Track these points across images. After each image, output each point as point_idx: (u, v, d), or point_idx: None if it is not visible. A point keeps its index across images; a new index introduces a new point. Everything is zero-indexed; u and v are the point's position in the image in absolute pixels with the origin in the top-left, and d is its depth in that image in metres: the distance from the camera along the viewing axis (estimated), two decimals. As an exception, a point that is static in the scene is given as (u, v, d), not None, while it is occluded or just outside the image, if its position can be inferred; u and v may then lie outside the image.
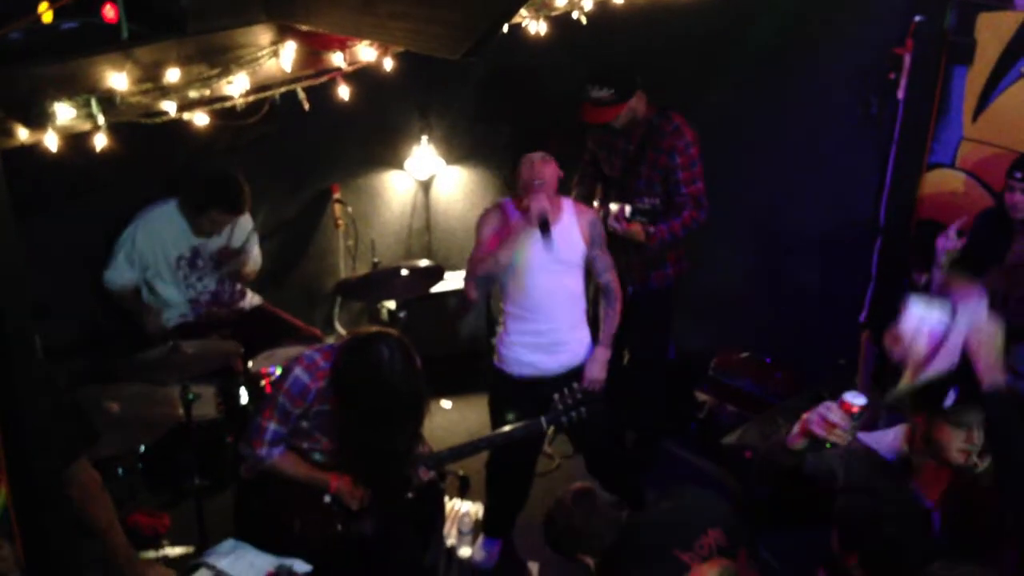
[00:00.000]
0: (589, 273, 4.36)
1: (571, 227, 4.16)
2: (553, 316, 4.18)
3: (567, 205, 4.22)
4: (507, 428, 3.81)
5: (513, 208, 4.15)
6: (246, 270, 5.11)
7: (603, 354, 4.28)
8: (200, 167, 4.88)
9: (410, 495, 3.58)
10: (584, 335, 4.31)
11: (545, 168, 4.06)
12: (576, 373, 4.21)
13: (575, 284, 4.23)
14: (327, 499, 3.47)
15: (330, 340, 5.52)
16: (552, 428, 4.02)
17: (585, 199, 5.05)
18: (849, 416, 2.96)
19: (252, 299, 5.23)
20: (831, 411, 2.97)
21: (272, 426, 3.39)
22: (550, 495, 4.42)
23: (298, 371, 3.36)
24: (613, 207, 4.58)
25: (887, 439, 3.31)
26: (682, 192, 4.68)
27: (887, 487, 3.12)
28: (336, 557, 3.50)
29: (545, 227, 3.93)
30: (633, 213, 4.53)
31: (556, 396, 3.81)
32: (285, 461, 3.46)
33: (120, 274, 4.83)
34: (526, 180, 4.05)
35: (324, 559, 3.42)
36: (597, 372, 4.25)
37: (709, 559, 3.11)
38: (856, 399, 2.99)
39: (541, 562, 4.46)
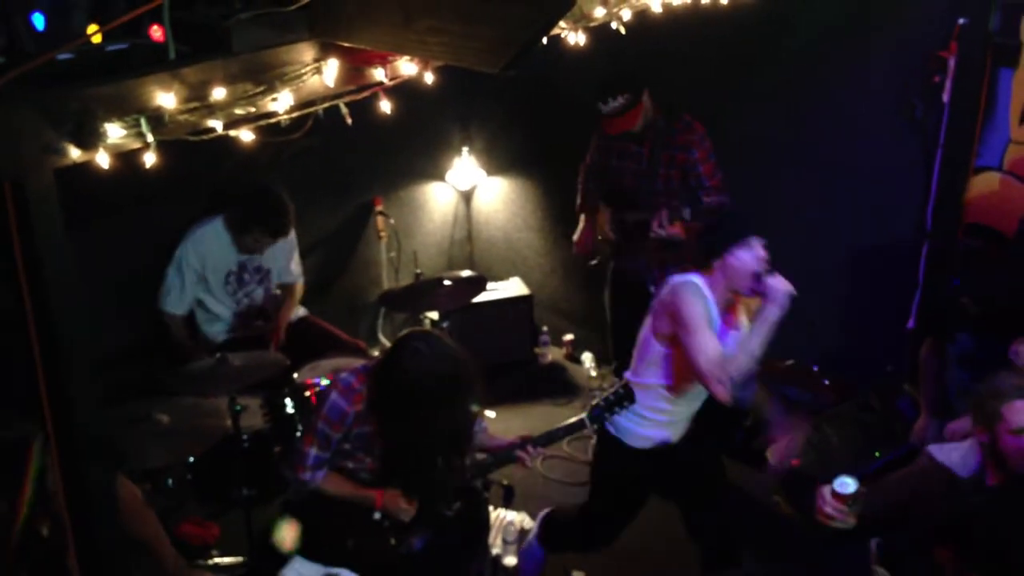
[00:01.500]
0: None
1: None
2: (693, 404, 3.87)
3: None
4: (549, 429, 3.70)
5: (706, 287, 3.61)
6: (296, 298, 5.23)
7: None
8: (244, 183, 4.94)
9: (458, 504, 3.58)
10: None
11: (765, 252, 3.61)
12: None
13: None
14: (376, 515, 3.48)
15: (375, 352, 5.57)
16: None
17: (591, 210, 5.22)
18: (843, 503, 2.98)
19: (296, 311, 5.28)
20: (826, 503, 2.97)
21: (313, 451, 3.40)
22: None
23: (335, 396, 3.36)
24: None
25: (956, 455, 3.27)
26: (706, 185, 4.78)
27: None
28: (385, 568, 3.52)
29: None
30: (693, 215, 4.57)
31: (595, 396, 3.74)
32: (329, 482, 3.48)
33: (173, 296, 4.89)
34: (752, 266, 3.54)
35: (372, 570, 3.45)
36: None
37: None
38: (845, 488, 2.99)
39: (586, 570, 4.45)
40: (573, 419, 3.64)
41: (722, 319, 3.64)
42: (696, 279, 3.61)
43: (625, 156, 4.95)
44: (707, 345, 3.44)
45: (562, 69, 4.88)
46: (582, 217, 5.43)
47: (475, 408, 3.42)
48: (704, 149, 4.78)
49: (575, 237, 5.48)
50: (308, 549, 3.49)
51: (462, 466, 3.56)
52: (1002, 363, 4.18)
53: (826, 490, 3.07)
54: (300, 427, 4.43)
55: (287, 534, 3.40)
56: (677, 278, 3.66)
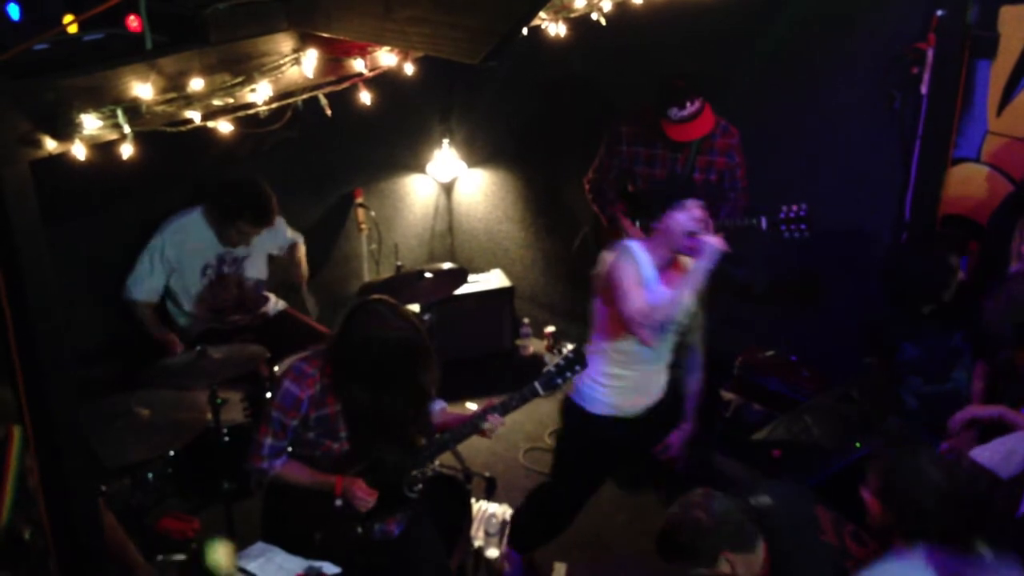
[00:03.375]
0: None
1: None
2: (648, 366, 4.03)
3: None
4: (502, 399, 3.67)
5: (644, 252, 3.86)
6: (299, 257, 5.24)
7: (688, 428, 4.18)
8: (225, 174, 4.91)
9: (419, 488, 3.55)
10: (665, 377, 4.13)
11: (702, 211, 3.81)
12: (655, 412, 4.10)
13: (673, 335, 4.02)
14: (338, 503, 3.45)
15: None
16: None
17: (602, 209, 5.09)
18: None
19: (276, 304, 5.26)
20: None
21: (268, 440, 3.38)
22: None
23: (287, 383, 3.35)
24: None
25: (997, 456, 3.30)
26: (739, 188, 4.81)
27: None
28: (363, 559, 3.51)
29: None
30: (770, 224, 4.55)
31: (547, 359, 3.74)
32: (288, 470, 3.45)
33: (143, 284, 4.83)
34: (687, 225, 3.75)
35: (352, 561, 3.44)
36: (678, 448, 4.18)
37: (847, 537, 3.17)
38: None
39: (568, 562, 4.46)
40: (526, 387, 3.65)
41: (663, 278, 3.85)
42: (631, 243, 3.88)
43: (654, 163, 4.84)
44: (632, 295, 3.72)
45: (543, 59, 4.89)
46: (605, 221, 5.17)
47: (432, 374, 3.39)
48: (742, 154, 4.78)
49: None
50: (284, 535, 3.47)
51: (420, 445, 3.54)
52: (951, 360, 4.30)
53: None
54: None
55: (221, 556, 3.35)
56: (615, 245, 3.87)
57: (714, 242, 3.71)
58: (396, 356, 3.24)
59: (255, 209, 4.79)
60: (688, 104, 4.59)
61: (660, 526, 3.14)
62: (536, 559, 4.54)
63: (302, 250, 5.29)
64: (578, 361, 3.65)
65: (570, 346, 3.75)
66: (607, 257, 3.88)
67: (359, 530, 3.51)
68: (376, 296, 3.39)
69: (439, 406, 3.72)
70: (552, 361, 3.72)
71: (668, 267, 3.88)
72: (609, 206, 5.09)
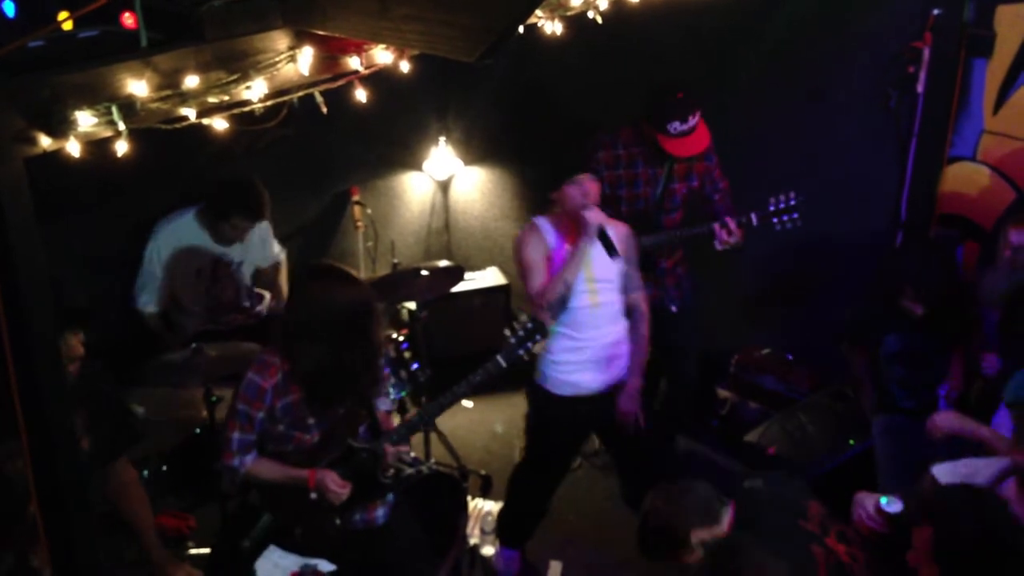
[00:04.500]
0: None
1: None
2: (596, 333, 4.09)
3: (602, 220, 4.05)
4: (468, 377, 3.70)
5: (550, 227, 4.05)
6: (280, 279, 5.20)
7: (634, 384, 4.16)
8: (218, 173, 4.91)
9: (392, 474, 3.54)
10: (625, 350, 4.18)
11: (594, 186, 3.94)
12: (618, 390, 4.16)
13: (616, 300, 4.10)
14: (313, 496, 3.41)
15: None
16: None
17: None
18: (885, 519, 3.23)
19: (271, 303, 5.26)
20: (869, 517, 3.26)
21: (236, 435, 3.35)
22: (572, 499, 4.46)
23: (250, 374, 3.34)
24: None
25: (958, 477, 3.32)
26: (720, 188, 4.69)
27: None
28: (352, 552, 3.50)
29: (608, 242, 3.88)
30: (761, 219, 4.51)
31: (507, 332, 3.75)
32: (259, 466, 3.41)
33: (148, 292, 4.83)
34: (577, 199, 3.89)
35: (340, 556, 3.43)
36: (630, 404, 4.15)
37: (831, 535, 3.20)
38: (891, 507, 3.23)
39: (564, 561, 4.46)
40: (489, 361, 3.70)
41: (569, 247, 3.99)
42: (537, 220, 4.10)
43: (637, 183, 4.65)
44: (531, 280, 3.99)
45: (539, 58, 4.88)
46: None
47: (380, 328, 3.42)
48: (715, 153, 4.64)
49: None
50: (286, 539, 3.46)
51: (388, 429, 3.56)
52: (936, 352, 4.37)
53: (869, 502, 3.32)
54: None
55: None
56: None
57: (592, 218, 3.85)
58: (345, 312, 3.28)
59: (248, 202, 4.78)
60: (691, 118, 4.41)
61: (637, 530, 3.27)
62: (531, 557, 4.54)
63: (284, 273, 5.26)
64: (538, 330, 3.69)
65: (525, 317, 3.73)
66: (518, 234, 4.13)
67: (337, 522, 3.49)
68: (327, 261, 3.46)
69: (385, 407, 3.72)
70: (512, 333, 3.71)
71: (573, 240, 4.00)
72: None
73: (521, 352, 3.69)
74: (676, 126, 4.41)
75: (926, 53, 4.70)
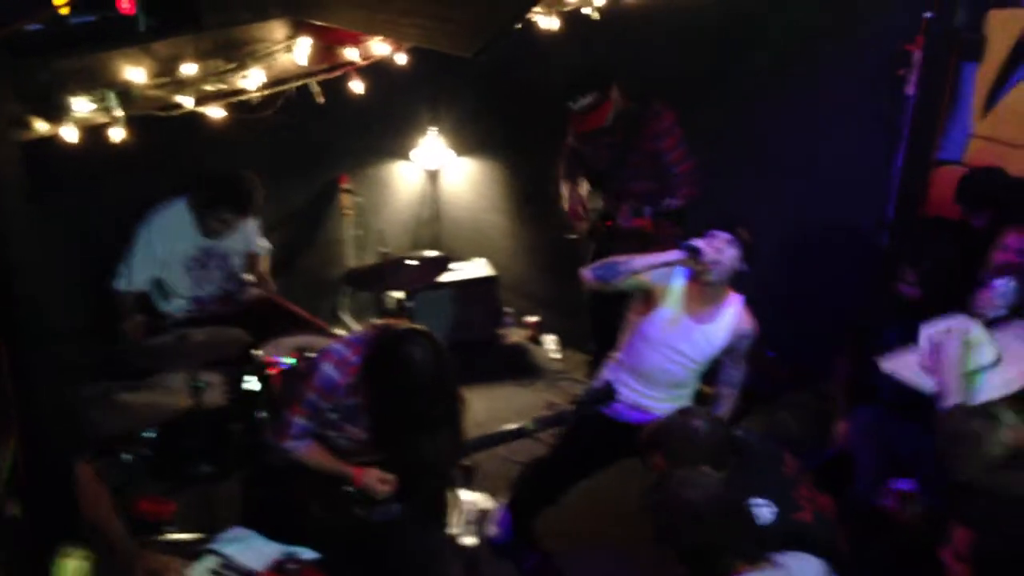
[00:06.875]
0: None
1: (717, 328, 4.14)
2: (650, 388, 4.21)
3: (733, 303, 4.19)
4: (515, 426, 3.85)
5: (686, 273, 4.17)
6: (263, 268, 5.18)
7: None
8: (211, 158, 4.88)
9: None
10: (671, 408, 4.14)
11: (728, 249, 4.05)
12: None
13: (685, 377, 4.23)
14: (348, 488, 3.48)
15: (337, 331, 5.54)
16: None
17: (572, 189, 5.16)
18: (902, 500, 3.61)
19: (258, 292, 5.25)
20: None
21: (300, 421, 3.41)
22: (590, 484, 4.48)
23: (327, 367, 3.35)
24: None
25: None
26: (674, 172, 4.84)
27: None
28: (349, 542, 3.52)
29: (694, 251, 3.98)
30: (655, 215, 4.61)
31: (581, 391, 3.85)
32: (312, 452, 3.48)
33: (131, 277, 4.79)
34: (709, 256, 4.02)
35: (336, 544, 3.44)
36: None
37: (805, 483, 3.41)
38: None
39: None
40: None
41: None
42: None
43: (599, 146, 4.99)
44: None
45: (533, 52, 4.88)
46: (565, 186, 5.31)
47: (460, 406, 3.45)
48: (673, 137, 4.82)
49: (565, 206, 5.31)
50: (262, 521, 3.47)
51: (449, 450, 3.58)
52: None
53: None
54: (264, 404, 4.39)
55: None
56: None
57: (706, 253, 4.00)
58: (416, 408, 3.26)
59: (236, 195, 4.75)
60: (581, 97, 4.71)
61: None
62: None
63: (267, 263, 5.25)
64: (607, 395, 3.92)
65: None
66: None
67: (357, 511, 3.52)
68: (412, 330, 3.33)
69: None
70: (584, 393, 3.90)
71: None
72: (571, 170, 5.24)
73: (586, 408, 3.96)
74: (570, 104, 4.75)
75: (916, 56, 4.72)
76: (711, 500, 2.83)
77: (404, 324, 3.43)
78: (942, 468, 3.33)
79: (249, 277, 5.17)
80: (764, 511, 3.24)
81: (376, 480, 3.45)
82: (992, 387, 3.39)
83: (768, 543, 2.92)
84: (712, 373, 4.46)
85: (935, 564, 2.95)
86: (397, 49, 2.94)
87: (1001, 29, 4.52)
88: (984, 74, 4.62)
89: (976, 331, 3.51)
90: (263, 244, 5.20)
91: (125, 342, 4.68)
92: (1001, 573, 2.80)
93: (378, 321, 3.63)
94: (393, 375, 3.25)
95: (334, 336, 4.96)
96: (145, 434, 4.50)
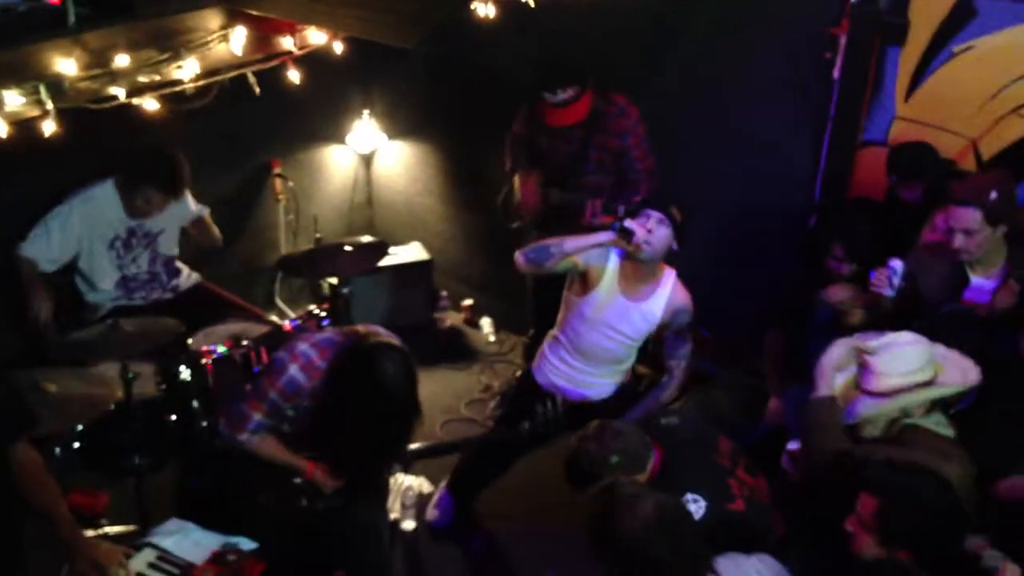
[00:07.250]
0: None
1: (653, 306, 4.23)
2: (589, 365, 4.33)
3: (667, 279, 4.27)
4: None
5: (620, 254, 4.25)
6: (215, 234, 5.15)
7: None
8: (138, 142, 4.75)
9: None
10: (610, 383, 4.42)
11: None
12: (590, 404, 4.36)
13: (623, 354, 4.34)
14: (297, 480, 3.47)
15: (271, 317, 5.49)
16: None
17: (525, 180, 5.08)
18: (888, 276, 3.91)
19: (190, 277, 5.17)
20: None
21: (258, 417, 3.40)
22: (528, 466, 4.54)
23: (294, 370, 3.33)
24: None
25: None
26: (637, 169, 4.83)
27: None
28: (292, 530, 3.51)
29: (625, 231, 4.03)
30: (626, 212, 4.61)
31: (539, 407, 3.91)
32: (265, 445, 3.47)
33: (35, 244, 4.59)
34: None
35: (278, 533, 3.44)
36: None
37: (740, 468, 3.52)
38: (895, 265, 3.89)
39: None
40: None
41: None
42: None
43: (557, 137, 4.90)
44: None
45: (468, 35, 4.86)
46: (516, 178, 5.21)
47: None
48: (637, 135, 4.80)
49: (519, 199, 5.21)
50: (198, 511, 3.45)
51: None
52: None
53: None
54: (198, 394, 4.33)
55: None
56: None
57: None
58: (382, 421, 3.26)
59: (162, 176, 4.64)
60: (561, 91, 4.62)
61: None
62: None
63: (208, 219, 5.17)
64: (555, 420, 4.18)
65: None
66: None
67: (304, 502, 3.51)
68: (385, 344, 3.32)
69: None
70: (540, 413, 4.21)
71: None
72: (519, 160, 5.14)
73: (541, 430, 4.11)
74: (548, 96, 4.64)
75: (842, 40, 4.80)
76: (650, 528, 2.81)
77: (375, 335, 3.40)
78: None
79: (181, 267, 5.10)
80: (695, 507, 3.30)
81: (326, 475, 3.46)
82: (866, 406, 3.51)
83: (704, 539, 2.95)
84: (655, 356, 4.55)
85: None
86: (334, 38, 2.91)
87: (924, 14, 4.61)
88: (907, 58, 4.72)
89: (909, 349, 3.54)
90: (201, 208, 5.11)
91: (33, 324, 4.55)
92: (905, 542, 2.87)
93: (349, 328, 3.60)
94: (364, 391, 3.23)
95: (269, 323, 4.91)
96: (76, 425, 4.45)
